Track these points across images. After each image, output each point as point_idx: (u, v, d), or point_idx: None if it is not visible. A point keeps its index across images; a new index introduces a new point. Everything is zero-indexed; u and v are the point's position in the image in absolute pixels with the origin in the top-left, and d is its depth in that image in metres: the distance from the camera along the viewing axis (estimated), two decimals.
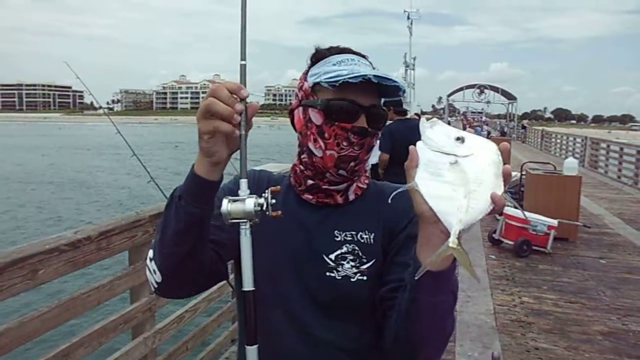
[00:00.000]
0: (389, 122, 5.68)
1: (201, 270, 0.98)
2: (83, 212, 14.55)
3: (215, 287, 3.19)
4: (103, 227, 2.04)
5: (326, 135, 1.00)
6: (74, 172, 24.30)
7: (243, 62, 0.87)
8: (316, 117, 1.01)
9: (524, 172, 7.88)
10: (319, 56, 1.05)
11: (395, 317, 0.89)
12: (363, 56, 1.06)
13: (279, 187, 0.90)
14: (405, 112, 5.94)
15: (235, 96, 0.82)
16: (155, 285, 0.98)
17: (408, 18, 29.04)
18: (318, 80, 1.00)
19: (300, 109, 1.05)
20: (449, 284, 0.82)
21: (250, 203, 0.85)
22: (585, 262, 5.84)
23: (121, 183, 20.12)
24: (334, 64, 1.00)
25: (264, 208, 0.85)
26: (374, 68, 1.05)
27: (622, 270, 5.55)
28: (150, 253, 0.98)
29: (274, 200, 0.86)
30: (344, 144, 0.99)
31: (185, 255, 0.92)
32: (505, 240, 6.14)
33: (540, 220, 6.04)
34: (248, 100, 0.85)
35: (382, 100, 1.05)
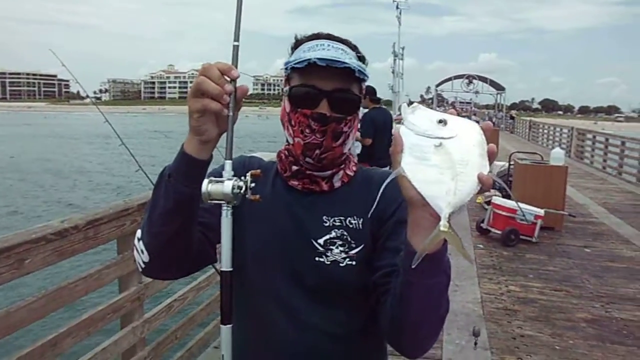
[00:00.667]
0: (365, 109, 5.86)
1: (189, 251, 0.98)
2: (70, 201, 14.43)
3: (203, 276, 3.19)
4: (91, 216, 2.02)
5: (292, 122, 1.01)
6: (61, 162, 24.02)
7: (236, 43, 0.87)
8: (287, 105, 1.03)
9: (512, 162, 7.95)
10: (297, 44, 1.05)
11: (390, 302, 0.89)
12: (343, 41, 1.04)
13: (259, 170, 0.90)
14: (378, 100, 6.10)
15: (225, 77, 0.83)
16: (143, 265, 0.99)
17: (397, 8, 28.92)
18: (286, 66, 1.01)
19: (285, 99, 1.05)
20: (442, 265, 0.83)
21: (228, 185, 0.85)
22: (570, 250, 5.92)
23: (109, 172, 19.94)
24: (305, 51, 1.00)
25: (243, 191, 0.86)
26: (358, 55, 1.05)
27: (606, 259, 5.64)
28: (139, 233, 0.98)
29: (253, 184, 0.87)
30: (307, 131, 0.99)
31: (173, 234, 0.93)
32: (493, 230, 6.20)
33: (528, 210, 6.11)
34: (238, 82, 0.85)
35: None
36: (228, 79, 0.83)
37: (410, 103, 0.80)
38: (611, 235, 6.70)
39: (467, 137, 0.76)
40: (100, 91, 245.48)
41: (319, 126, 0.98)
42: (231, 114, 0.85)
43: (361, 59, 1.05)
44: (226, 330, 0.90)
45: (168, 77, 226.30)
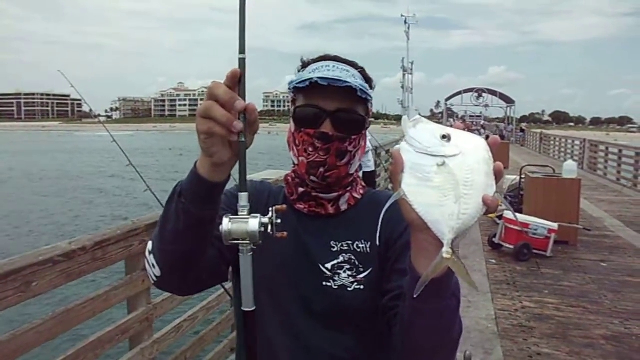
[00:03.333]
0: None
1: (202, 269, 0.96)
2: (79, 221, 14.50)
3: (213, 296, 3.16)
4: (98, 237, 2.01)
5: (297, 142, 1.01)
6: (71, 180, 24.26)
7: (242, 56, 0.80)
8: (292, 125, 1.02)
9: (523, 176, 7.87)
10: (304, 66, 1.06)
11: (399, 328, 0.87)
12: (350, 63, 1.04)
13: (285, 206, 0.87)
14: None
15: (235, 94, 0.77)
16: (155, 279, 0.96)
17: (405, 23, 29.20)
18: (289, 87, 1.01)
19: (291, 120, 1.05)
20: (450, 287, 0.79)
21: (254, 224, 0.79)
22: (586, 265, 5.81)
23: (117, 191, 20.03)
24: (310, 72, 0.99)
25: (269, 229, 0.81)
26: (364, 76, 1.04)
27: (624, 273, 5.52)
28: (150, 245, 0.95)
29: (279, 220, 0.82)
30: (310, 149, 0.99)
31: (184, 254, 0.90)
32: (506, 245, 6.11)
33: (540, 224, 6.02)
34: (247, 99, 0.79)
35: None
36: (237, 110, 0.76)
37: (414, 116, 0.75)
38: (628, 249, 6.56)
39: (472, 155, 0.71)
40: (111, 109, 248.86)
41: (322, 144, 0.98)
42: (243, 139, 0.78)
43: (367, 79, 1.05)
44: None
45: (178, 95, 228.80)
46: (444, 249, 0.70)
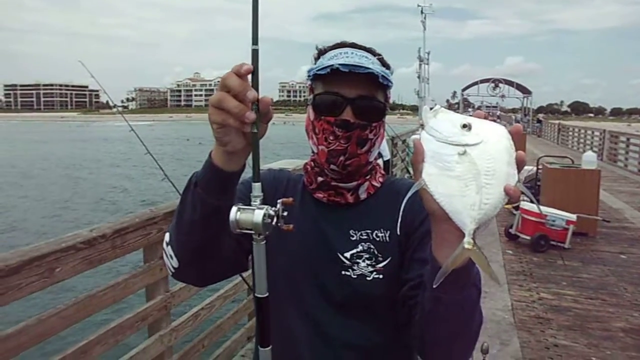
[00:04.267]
0: None
1: (220, 259, 0.96)
2: (99, 209, 14.76)
3: (230, 285, 3.19)
4: (118, 225, 2.04)
5: (317, 130, 1.00)
6: (88, 168, 24.60)
7: (255, 47, 0.79)
8: (311, 113, 1.01)
9: (540, 166, 7.76)
10: (320, 54, 1.04)
11: (419, 318, 0.86)
12: (367, 49, 1.03)
13: (292, 199, 0.86)
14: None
15: (247, 83, 0.76)
16: (173, 270, 0.97)
17: (422, 12, 28.82)
18: (309, 74, 1.00)
19: (309, 108, 1.03)
20: (471, 278, 0.78)
21: (259, 215, 0.79)
22: (606, 257, 5.73)
23: (136, 180, 20.30)
24: (328, 59, 0.98)
25: (275, 221, 0.80)
26: (383, 62, 1.03)
27: None
28: (167, 237, 0.96)
29: (285, 213, 0.82)
30: (331, 138, 0.98)
31: (202, 244, 0.90)
32: (522, 235, 6.05)
33: (559, 215, 5.95)
34: (262, 91, 0.79)
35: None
36: (249, 99, 0.75)
37: (433, 106, 0.74)
38: None
39: (493, 144, 0.70)
40: (128, 100, 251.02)
41: (343, 132, 0.97)
42: (256, 130, 0.78)
43: (386, 66, 1.03)
44: (266, 353, 0.88)
45: (194, 85, 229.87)
46: (465, 240, 0.69)
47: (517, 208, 6.38)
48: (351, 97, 0.97)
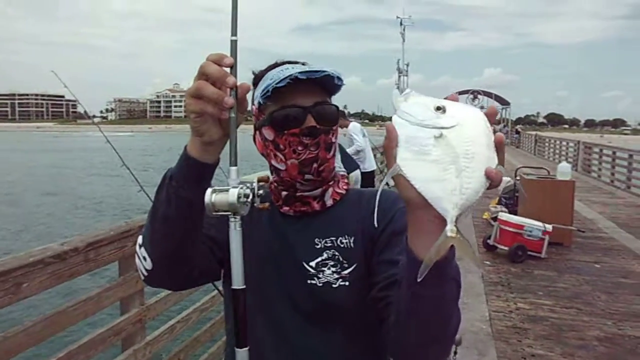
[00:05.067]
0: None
1: (193, 262, 0.95)
2: (71, 222, 14.39)
3: (207, 297, 3.15)
4: (91, 238, 1.99)
5: (281, 146, 0.99)
6: (64, 180, 24.09)
7: (234, 38, 0.82)
8: (269, 134, 1.01)
9: (518, 178, 7.88)
10: (257, 78, 1.04)
11: (395, 319, 0.82)
12: (303, 64, 1.03)
13: (267, 175, 0.89)
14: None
15: (227, 80, 0.78)
16: (145, 273, 0.95)
17: (401, 24, 29.26)
18: (257, 99, 1.00)
19: (257, 133, 1.04)
20: (451, 271, 0.74)
21: (234, 193, 0.79)
22: (580, 266, 5.83)
23: (112, 192, 19.91)
24: (270, 79, 0.98)
25: (250, 199, 0.81)
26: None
27: (617, 275, 5.54)
28: (140, 239, 0.95)
29: (261, 191, 0.83)
30: (299, 148, 0.98)
31: (176, 242, 0.89)
32: (500, 246, 6.12)
33: (535, 226, 6.03)
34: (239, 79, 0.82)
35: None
36: (228, 85, 0.79)
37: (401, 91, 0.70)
38: (622, 251, 6.59)
39: (470, 126, 0.66)
40: (107, 110, 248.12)
41: (311, 140, 0.98)
42: (233, 115, 0.80)
43: None
44: (243, 354, 0.85)
45: (174, 96, 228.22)
46: (448, 227, 0.65)
47: (495, 219, 6.45)
48: (309, 106, 0.98)
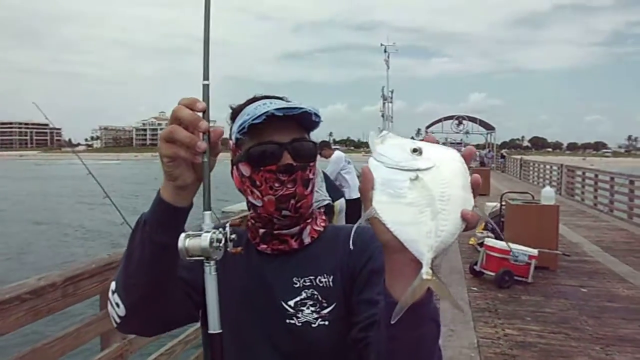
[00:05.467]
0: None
1: (170, 307, 0.93)
2: (51, 255, 13.97)
3: (192, 329, 3.09)
4: (70, 272, 1.95)
5: (258, 183, 0.99)
6: (45, 211, 23.61)
7: (206, 82, 0.83)
8: (245, 170, 1.00)
9: (503, 203, 7.95)
10: (235, 113, 1.04)
11: (375, 359, 0.82)
12: (280, 98, 1.04)
13: (240, 248, 0.86)
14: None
15: (199, 125, 0.79)
16: (118, 320, 0.93)
17: (385, 51, 29.75)
18: (234, 134, 1.00)
19: (234, 168, 1.04)
20: (429, 312, 0.74)
21: (206, 238, 0.78)
22: (567, 290, 5.84)
23: (93, 224, 19.49)
24: (247, 115, 0.98)
25: (222, 244, 0.80)
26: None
27: (603, 299, 5.56)
28: (113, 285, 0.93)
29: (233, 235, 0.82)
30: (276, 185, 0.98)
31: (151, 288, 0.87)
32: (487, 272, 6.12)
33: (521, 251, 6.06)
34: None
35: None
36: (201, 129, 0.79)
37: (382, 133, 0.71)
38: (607, 274, 6.63)
39: (446, 167, 0.67)
40: (92, 138, 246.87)
41: (288, 177, 0.97)
42: (206, 160, 0.80)
43: None
44: None
45: (160, 124, 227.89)
46: (424, 270, 0.65)
47: (481, 245, 6.47)
48: (286, 142, 0.98)
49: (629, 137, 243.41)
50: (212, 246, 0.79)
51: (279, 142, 0.97)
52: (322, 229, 1.07)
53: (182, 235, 0.80)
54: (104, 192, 2.75)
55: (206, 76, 0.83)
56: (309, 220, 1.05)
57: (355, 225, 0.71)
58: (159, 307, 0.92)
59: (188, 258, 0.79)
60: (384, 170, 0.67)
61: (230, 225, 0.83)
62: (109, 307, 0.94)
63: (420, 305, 0.69)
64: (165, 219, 0.83)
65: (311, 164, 1.01)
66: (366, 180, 0.68)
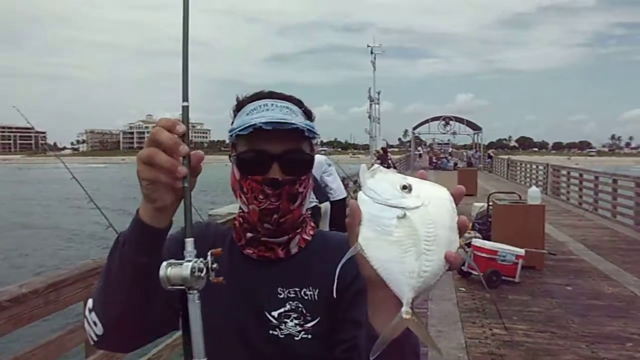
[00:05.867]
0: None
1: (148, 323, 0.90)
2: (33, 261, 13.77)
3: (179, 333, 3.06)
4: (52, 278, 1.93)
5: (245, 189, 0.96)
6: (29, 215, 23.29)
7: (185, 104, 0.79)
8: (236, 173, 0.98)
9: (491, 203, 8.01)
10: (239, 106, 1.01)
11: None
12: (287, 98, 1.01)
13: (220, 249, 0.82)
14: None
15: (180, 148, 0.75)
16: (95, 339, 0.90)
17: (371, 53, 29.86)
18: (231, 134, 0.97)
19: (233, 166, 1.00)
20: (409, 345, 0.74)
21: (187, 268, 0.75)
22: (553, 289, 5.90)
23: (79, 229, 19.23)
24: (247, 114, 0.96)
25: (204, 273, 0.77)
26: (304, 110, 1.02)
27: (589, 297, 5.63)
28: (90, 303, 0.90)
29: (215, 265, 0.79)
30: (261, 197, 0.94)
31: (130, 308, 0.85)
32: (474, 272, 6.15)
33: (508, 250, 6.11)
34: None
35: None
36: (181, 154, 0.75)
37: (373, 167, 0.71)
38: (592, 272, 6.71)
39: (435, 207, 0.66)
40: (78, 142, 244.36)
41: (273, 191, 0.94)
42: (187, 184, 0.77)
43: (307, 113, 1.02)
44: None
45: (147, 127, 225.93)
46: (404, 309, 0.66)
47: (469, 245, 6.51)
48: (277, 153, 0.94)
49: (613, 137, 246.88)
50: (193, 276, 0.76)
51: (270, 152, 0.93)
52: (310, 237, 1.04)
53: (164, 263, 0.76)
54: (89, 197, 2.71)
55: (185, 97, 0.80)
56: (298, 230, 1.02)
57: (346, 257, 0.69)
58: (138, 327, 0.89)
59: (170, 287, 0.76)
60: (372, 206, 0.67)
61: (212, 254, 0.79)
62: (86, 325, 0.91)
63: (400, 339, 0.69)
64: (144, 240, 0.81)
65: (302, 177, 0.97)
66: (354, 215, 0.68)
